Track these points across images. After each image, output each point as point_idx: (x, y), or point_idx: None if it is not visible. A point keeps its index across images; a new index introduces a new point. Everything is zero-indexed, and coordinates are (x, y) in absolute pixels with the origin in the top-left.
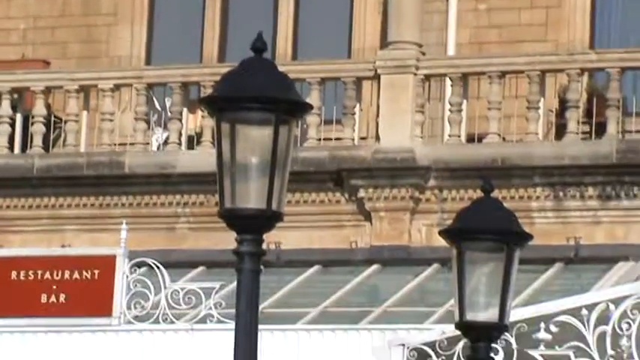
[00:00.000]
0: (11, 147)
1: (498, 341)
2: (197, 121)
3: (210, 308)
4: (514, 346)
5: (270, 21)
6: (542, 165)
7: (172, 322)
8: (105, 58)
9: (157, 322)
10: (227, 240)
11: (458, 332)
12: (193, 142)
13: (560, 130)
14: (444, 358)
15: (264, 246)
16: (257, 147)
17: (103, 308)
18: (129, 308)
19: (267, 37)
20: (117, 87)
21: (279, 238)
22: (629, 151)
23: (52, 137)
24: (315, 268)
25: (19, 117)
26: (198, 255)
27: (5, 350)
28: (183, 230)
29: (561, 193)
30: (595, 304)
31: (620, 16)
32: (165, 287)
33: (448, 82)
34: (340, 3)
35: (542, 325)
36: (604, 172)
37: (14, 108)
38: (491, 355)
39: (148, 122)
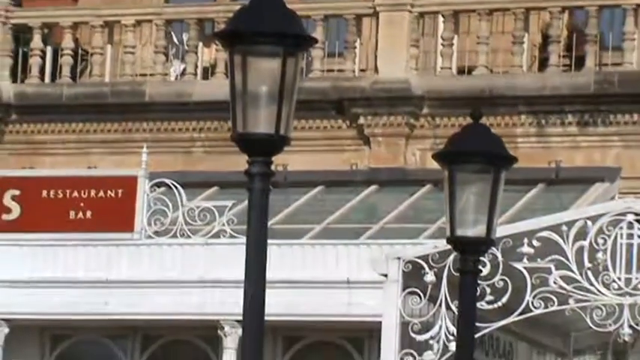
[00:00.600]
0: (42, 77)
1: (485, 255)
2: (211, 53)
3: (224, 224)
4: (500, 259)
5: None
6: (525, 95)
7: (189, 237)
8: None
9: (174, 237)
10: (239, 162)
11: (449, 246)
12: (208, 73)
13: (543, 63)
14: (436, 270)
15: (272, 167)
16: (266, 77)
17: (126, 224)
18: (149, 224)
19: None
20: (138, 23)
21: (286, 161)
22: (605, 82)
23: (79, 68)
24: (319, 188)
25: (49, 50)
26: (213, 176)
27: (36, 263)
28: (199, 153)
29: (543, 121)
30: (574, 221)
31: None
32: (182, 205)
33: (441, 18)
34: None
35: (526, 240)
36: (582, 102)
37: (45, 42)
38: (479, 267)
39: (166, 55)
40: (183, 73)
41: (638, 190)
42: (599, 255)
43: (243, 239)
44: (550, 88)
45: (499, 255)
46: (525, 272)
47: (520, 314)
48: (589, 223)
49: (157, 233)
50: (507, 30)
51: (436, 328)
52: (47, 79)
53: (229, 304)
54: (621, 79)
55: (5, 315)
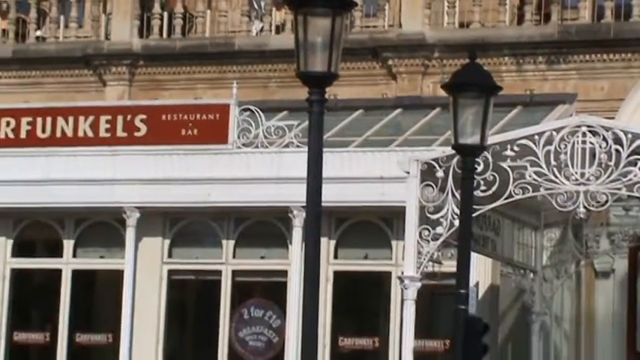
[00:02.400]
0: (160, 34)
1: (480, 157)
2: (282, 15)
3: (292, 138)
4: (490, 160)
5: None
6: (508, 42)
7: (267, 147)
8: None
9: (256, 147)
10: (302, 93)
11: (453, 151)
12: (279, 29)
13: (520, 19)
14: (444, 168)
15: (326, 96)
16: (321, 31)
17: (222, 138)
18: (238, 138)
19: None
20: None
21: (336, 91)
22: (566, 32)
23: (187, 27)
24: (359, 111)
25: (165, 14)
26: (283, 104)
27: (158, 166)
28: (274, 87)
29: (521, 60)
30: (543, 132)
31: None
32: (262, 124)
33: None
34: None
35: (509, 146)
36: (549, 46)
37: (162, 7)
38: (475, 166)
39: (249, 17)
40: (261, 29)
41: (589, 109)
42: (562, 156)
43: (306, 148)
44: (526, 37)
45: (489, 157)
46: (508, 169)
47: (505, 199)
48: (554, 133)
49: (244, 144)
50: None
51: (444, 210)
52: (164, 35)
53: (297, 194)
54: (577, 29)
55: (137, 204)
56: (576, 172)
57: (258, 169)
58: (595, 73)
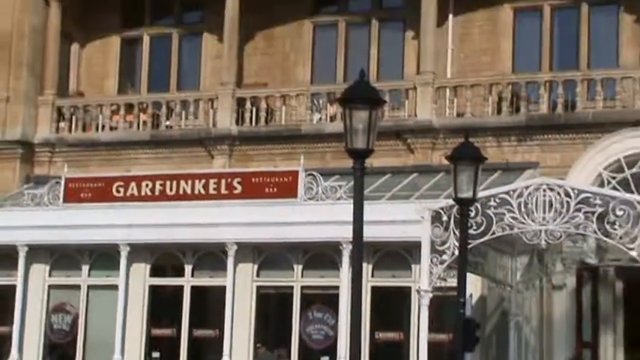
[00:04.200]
0: (251, 122)
1: (472, 206)
2: (335, 108)
3: (342, 194)
4: (479, 208)
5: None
6: (491, 127)
7: (324, 200)
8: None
9: (317, 200)
10: (349, 162)
11: (454, 203)
12: (333, 118)
13: (499, 110)
14: (448, 214)
15: (365, 164)
16: (362, 120)
17: (294, 194)
18: (305, 194)
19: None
20: (297, 95)
21: (372, 161)
22: (531, 119)
23: (268, 117)
24: (388, 175)
25: (254, 109)
26: (336, 170)
27: (251, 213)
28: (329, 159)
29: (500, 139)
30: (516, 189)
31: None
32: (321, 184)
33: (447, 91)
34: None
35: (492, 198)
36: (519, 129)
37: (252, 104)
38: (469, 212)
39: (312, 110)
40: (320, 119)
41: (547, 173)
42: (529, 205)
43: (352, 201)
44: (503, 123)
45: (479, 206)
46: (492, 215)
47: (490, 236)
48: (524, 189)
49: (309, 198)
50: (480, 94)
51: (448, 243)
52: (253, 123)
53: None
54: (539, 117)
55: (236, 240)
56: (539, 217)
57: (319, 216)
58: (552, 148)
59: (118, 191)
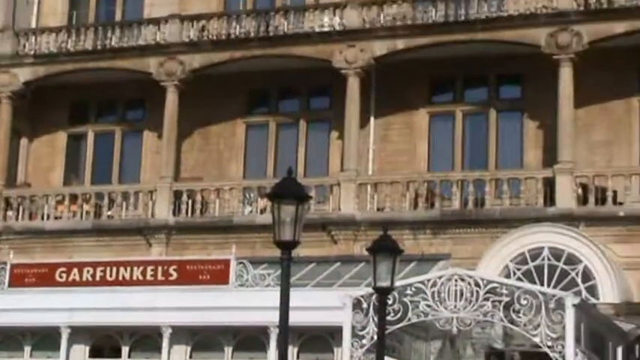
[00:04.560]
0: (187, 213)
1: (390, 294)
2: (265, 202)
3: (270, 281)
4: (397, 296)
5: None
6: (408, 221)
7: (254, 287)
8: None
9: (247, 287)
10: (277, 252)
11: (373, 291)
12: (263, 211)
13: (416, 206)
14: (368, 302)
15: (292, 254)
16: (289, 213)
17: (225, 281)
18: (235, 280)
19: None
20: (230, 189)
21: (299, 251)
22: (444, 214)
23: (203, 209)
24: (313, 264)
25: (190, 201)
26: (265, 259)
27: (182, 300)
28: (259, 248)
29: (415, 233)
30: (430, 279)
31: None
32: (251, 272)
33: (369, 188)
34: None
35: (409, 287)
36: (434, 223)
37: (188, 197)
38: (387, 300)
39: (243, 203)
40: (250, 211)
41: (459, 264)
42: (442, 294)
43: (279, 288)
44: (419, 217)
45: (397, 294)
46: (408, 302)
47: (406, 322)
48: (437, 279)
49: (239, 285)
50: (398, 191)
51: (368, 328)
52: (189, 214)
53: (273, 317)
54: (451, 213)
55: (171, 323)
56: (451, 305)
57: (248, 301)
58: (463, 241)
59: (60, 277)
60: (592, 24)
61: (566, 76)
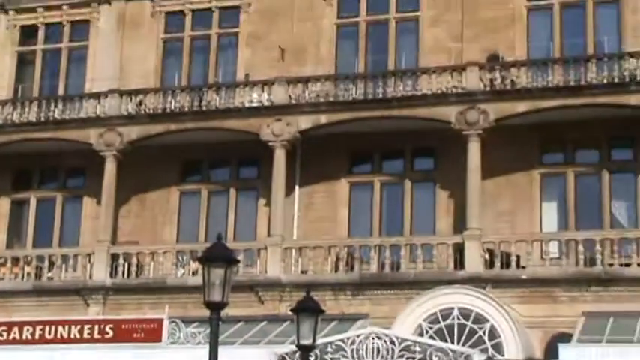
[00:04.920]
0: (123, 275)
1: (312, 351)
2: (196, 264)
3: (201, 339)
4: (318, 353)
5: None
6: (330, 282)
7: (185, 344)
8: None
9: (179, 344)
10: (207, 312)
11: (296, 348)
12: (194, 273)
13: (337, 269)
14: (292, 358)
15: (221, 314)
16: (219, 276)
17: (158, 338)
18: (168, 338)
19: None
20: (164, 252)
21: (227, 311)
22: (363, 277)
23: (139, 271)
24: (241, 322)
25: (126, 264)
26: (196, 318)
27: (118, 356)
28: (191, 307)
29: (337, 293)
30: (350, 337)
31: None
32: (182, 330)
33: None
34: None
35: (329, 345)
36: (353, 285)
37: (124, 259)
38: (309, 356)
39: (176, 265)
40: (183, 273)
41: (376, 323)
42: (360, 351)
43: (208, 345)
44: (340, 279)
45: (318, 351)
46: (329, 359)
47: None
48: (356, 337)
49: (172, 342)
50: (321, 254)
51: None
52: (125, 276)
53: None
54: (370, 275)
55: None
56: None
57: (180, 358)
58: (380, 301)
59: (1, 335)
60: (497, 103)
61: (474, 150)
